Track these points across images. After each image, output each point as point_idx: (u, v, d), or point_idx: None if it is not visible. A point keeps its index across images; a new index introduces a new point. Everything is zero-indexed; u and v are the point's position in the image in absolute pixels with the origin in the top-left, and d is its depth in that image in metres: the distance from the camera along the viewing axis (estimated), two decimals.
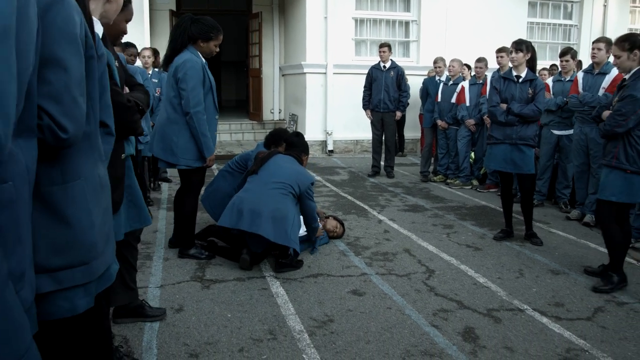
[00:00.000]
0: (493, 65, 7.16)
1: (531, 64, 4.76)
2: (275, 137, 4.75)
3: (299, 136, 4.68)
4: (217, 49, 4.07)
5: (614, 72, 5.37)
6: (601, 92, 5.27)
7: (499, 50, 6.69)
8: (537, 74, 4.96)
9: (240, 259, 4.02)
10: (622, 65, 3.84)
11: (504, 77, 4.88)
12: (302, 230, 4.77)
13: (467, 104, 7.18)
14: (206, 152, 3.97)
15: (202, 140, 3.92)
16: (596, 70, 5.45)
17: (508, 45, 5.20)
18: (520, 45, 4.72)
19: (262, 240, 3.94)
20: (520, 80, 4.72)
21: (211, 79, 4.03)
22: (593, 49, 5.44)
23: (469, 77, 7.50)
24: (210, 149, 3.99)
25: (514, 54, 4.72)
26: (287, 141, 4.60)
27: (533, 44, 4.92)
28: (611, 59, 5.65)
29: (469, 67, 8.12)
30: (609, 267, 3.93)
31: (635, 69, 3.77)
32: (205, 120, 3.93)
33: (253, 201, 3.94)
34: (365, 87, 7.99)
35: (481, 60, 7.15)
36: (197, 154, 3.99)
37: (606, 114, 4.00)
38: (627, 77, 3.85)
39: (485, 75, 7.13)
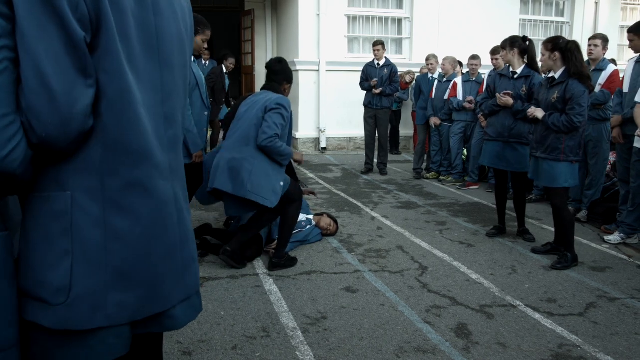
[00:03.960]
0: (486, 62, 7.17)
1: (528, 59, 4.71)
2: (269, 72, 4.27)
3: (282, 62, 4.21)
4: (205, 45, 4.07)
5: (610, 68, 5.41)
6: (597, 88, 5.29)
7: (493, 52, 6.65)
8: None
9: (219, 254, 4.00)
10: (545, 63, 4.26)
11: (500, 74, 4.90)
12: (303, 216, 4.75)
13: (460, 98, 7.18)
14: (192, 148, 3.97)
15: (186, 136, 3.93)
16: (592, 67, 5.44)
17: (500, 42, 5.20)
18: (504, 43, 4.77)
19: (237, 201, 3.78)
20: (516, 76, 4.72)
21: (197, 75, 4.04)
22: (589, 45, 5.45)
23: (461, 74, 7.50)
24: (197, 145, 4.00)
25: (500, 54, 4.77)
26: (269, 69, 4.20)
27: None
28: (607, 55, 5.71)
29: (461, 64, 8.14)
30: (566, 247, 4.26)
31: (563, 69, 4.12)
32: (189, 116, 3.93)
33: (218, 157, 3.82)
34: (361, 81, 7.97)
35: (475, 58, 7.14)
36: (184, 151, 3.98)
37: (533, 111, 4.26)
38: (556, 76, 4.17)
39: (479, 73, 7.13)
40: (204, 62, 9.57)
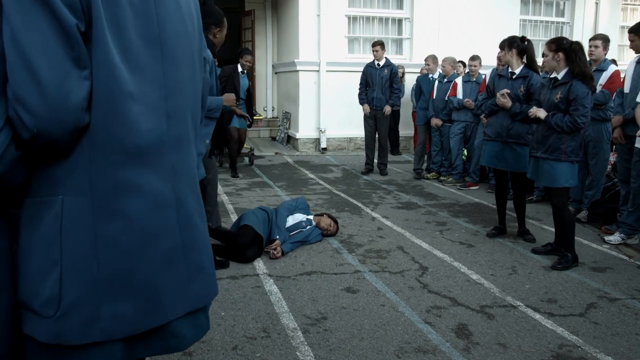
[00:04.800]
0: (486, 63, 7.16)
1: (527, 59, 4.70)
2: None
3: (206, 4, 3.53)
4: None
5: (611, 68, 5.41)
6: (598, 89, 5.28)
7: (500, 58, 6.60)
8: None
9: None
10: (548, 63, 4.27)
11: (499, 74, 4.90)
12: (303, 217, 4.73)
13: (460, 98, 7.17)
14: None
15: None
16: (593, 67, 5.41)
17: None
18: (502, 44, 4.78)
19: None
20: (514, 77, 4.72)
21: None
22: (590, 46, 5.45)
23: (463, 74, 7.50)
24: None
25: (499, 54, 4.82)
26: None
27: None
28: (608, 56, 5.70)
29: (464, 64, 8.12)
30: (566, 248, 4.25)
31: (567, 70, 4.13)
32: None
33: None
34: (360, 84, 7.97)
35: (475, 59, 7.13)
36: None
37: (535, 111, 4.26)
38: (559, 77, 4.17)
39: (480, 74, 7.13)
40: None
